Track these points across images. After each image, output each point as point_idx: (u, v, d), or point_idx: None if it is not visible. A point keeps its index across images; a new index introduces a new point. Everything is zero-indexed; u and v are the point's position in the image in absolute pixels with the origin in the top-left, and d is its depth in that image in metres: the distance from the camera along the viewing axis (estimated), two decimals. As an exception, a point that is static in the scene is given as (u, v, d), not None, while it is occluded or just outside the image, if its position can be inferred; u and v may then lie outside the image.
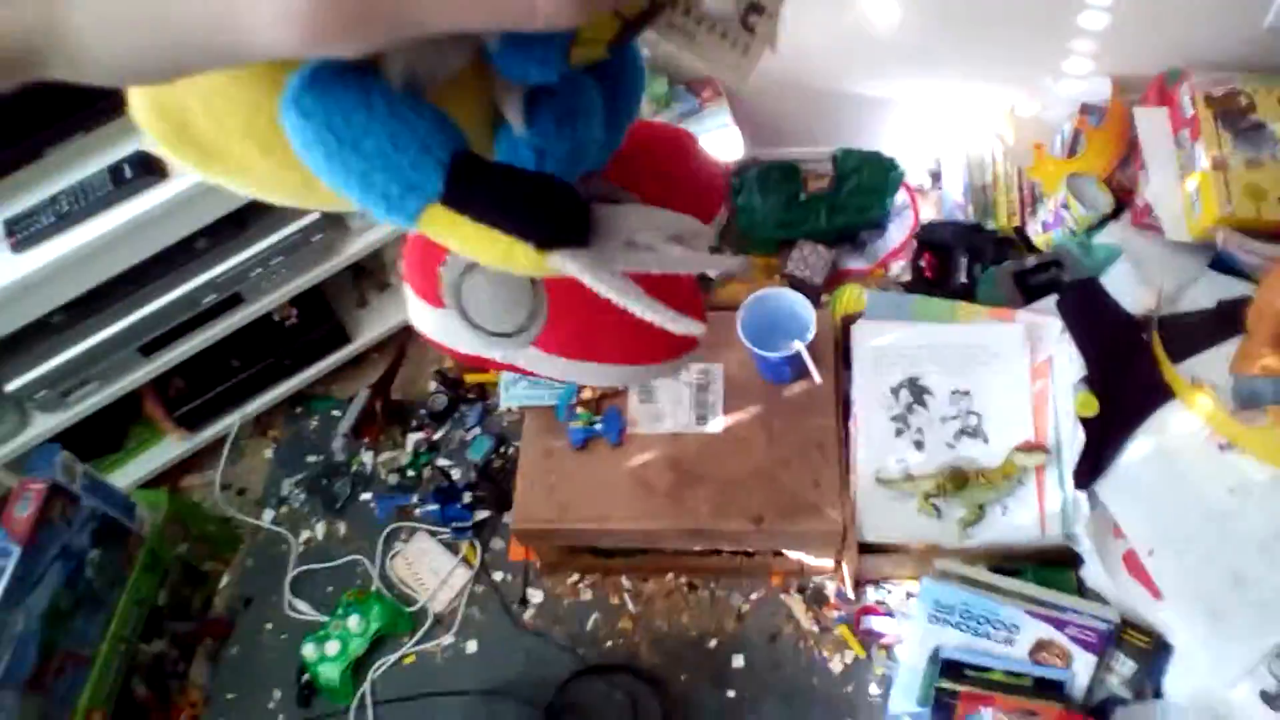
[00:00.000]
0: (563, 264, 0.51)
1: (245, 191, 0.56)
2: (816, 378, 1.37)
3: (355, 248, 1.62)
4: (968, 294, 1.55)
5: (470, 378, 1.76)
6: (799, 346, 1.33)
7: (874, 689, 1.41)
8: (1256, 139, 1.42)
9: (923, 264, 1.64)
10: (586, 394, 1.44)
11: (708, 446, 1.39)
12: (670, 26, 0.56)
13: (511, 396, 1.47)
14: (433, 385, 1.77)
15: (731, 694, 1.45)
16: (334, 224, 1.59)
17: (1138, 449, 1.29)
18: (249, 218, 1.50)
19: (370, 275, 1.81)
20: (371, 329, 1.78)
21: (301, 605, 1.60)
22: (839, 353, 1.45)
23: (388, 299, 1.81)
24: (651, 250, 0.56)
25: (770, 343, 1.34)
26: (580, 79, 0.58)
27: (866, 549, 1.34)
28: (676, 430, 1.41)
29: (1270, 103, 1.45)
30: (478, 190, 0.50)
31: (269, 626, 1.59)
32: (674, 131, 0.81)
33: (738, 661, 1.47)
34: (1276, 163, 1.40)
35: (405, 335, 1.82)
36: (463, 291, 0.65)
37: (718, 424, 1.41)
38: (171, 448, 1.70)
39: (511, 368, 0.72)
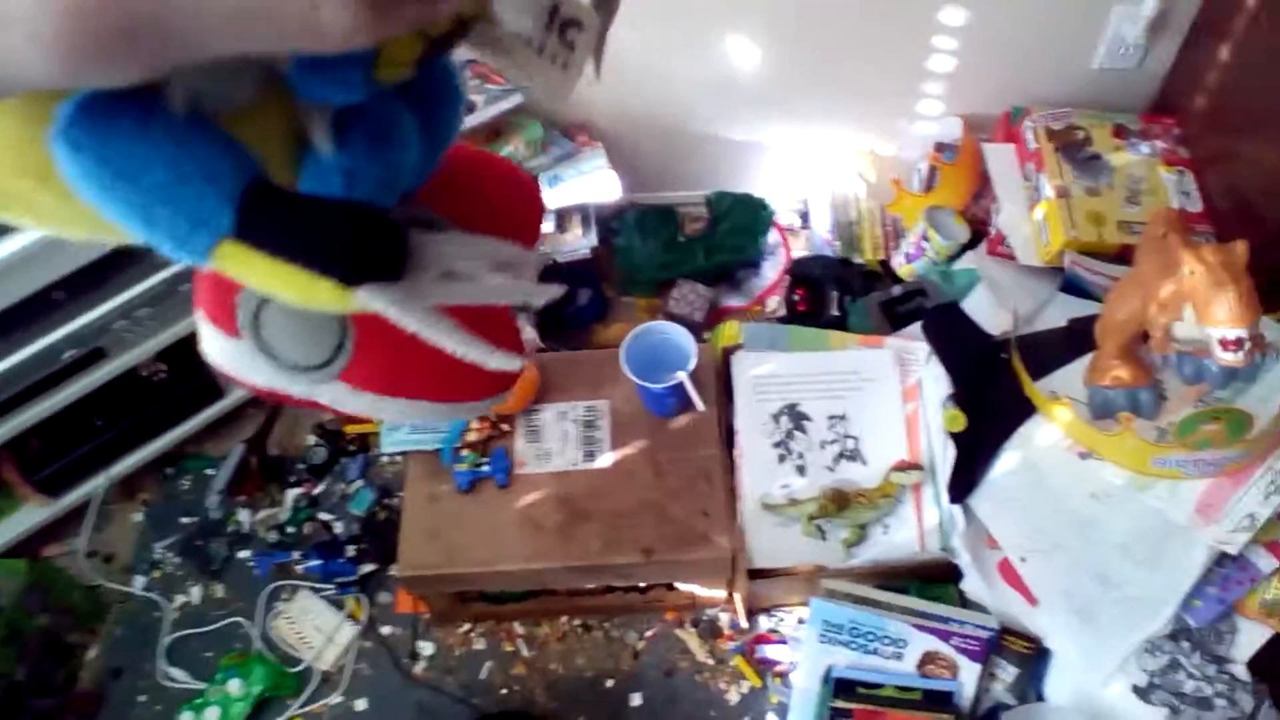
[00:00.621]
0: (370, 300, 0.48)
1: (39, 229, 0.51)
2: (700, 406, 1.39)
3: (227, 298, 1.56)
4: (839, 325, 1.61)
5: (350, 429, 1.72)
6: (682, 376, 1.35)
7: (771, 717, 1.42)
8: (1094, 169, 1.53)
9: (796, 298, 1.70)
10: (472, 435, 1.42)
11: (596, 482, 1.39)
12: (485, 42, 0.54)
13: (393, 442, 1.45)
14: (311, 438, 1.72)
15: (630, 732, 1.43)
16: (204, 274, 1.53)
17: (1005, 462, 1.35)
18: (110, 268, 1.44)
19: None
20: (246, 383, 1.72)
21: (177, 673, 1.51)
22: (721, 384, 1.48)
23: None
24: (471, 280, 0.52)
25: (654, 377, 1.36)
26: (389, 99, 0.55)
27: (756, 575, 1.36)
28: (565, 468, 1.41)
29: (1104, 135, 1.57)
30: (274, 223, 0.46)
31: (142, 699, 1.50)
32: (488, 154, 0.80)
33: (635, 700, 1.46)
34: (1112, 190, 1.51)
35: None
36: (261, 322, 0.60)
37: (606, 459, 1.41)
38: (31, 514, 1.59)
39: (313, 404, 0.67)
